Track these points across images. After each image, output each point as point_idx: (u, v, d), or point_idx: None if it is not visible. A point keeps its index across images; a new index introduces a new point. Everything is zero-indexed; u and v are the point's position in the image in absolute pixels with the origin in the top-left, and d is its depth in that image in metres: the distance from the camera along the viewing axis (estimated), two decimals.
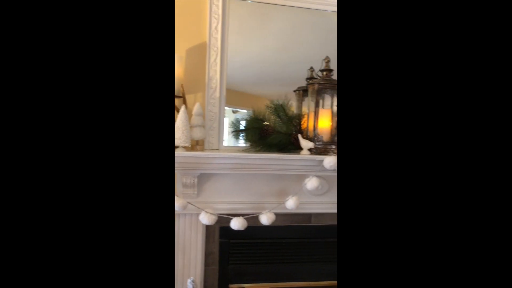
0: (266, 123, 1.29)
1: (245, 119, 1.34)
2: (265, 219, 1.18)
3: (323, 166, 1.16)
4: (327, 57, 1.25)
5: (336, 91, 1.25)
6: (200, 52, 1.29)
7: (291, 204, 1.18)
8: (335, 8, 1.38)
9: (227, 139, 1.35)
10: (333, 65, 1.26)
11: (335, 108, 1.26)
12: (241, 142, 1.35)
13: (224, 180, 1.27)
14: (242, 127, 1.34)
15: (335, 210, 1.36)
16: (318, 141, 1.25)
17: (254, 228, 1.27)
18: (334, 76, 1.26)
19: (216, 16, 1.27)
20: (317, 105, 1.24)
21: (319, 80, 1.24)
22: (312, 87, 1.25)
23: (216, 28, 1.27)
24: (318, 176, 1.22)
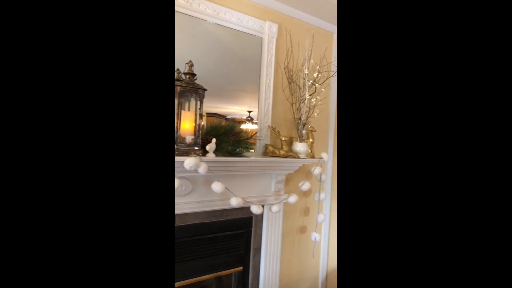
0: None
1: None
2: None
3: (184, 167, 1.19)
4: (190, 61, 1.29)
5: (199, 95, 1.30)
6: None
7: None
8: (201, 15, 1.44)
9: None
10: (196, 70, 1.31)
11: (199, 110, 1.31)
12: None
13: None
14: None
15: (198, 209, 1.41)
16: (181, 143, 1.27)
17: None
18: (198, 80, 1.31)
19: None
20: (179, 107, 1.26)
21: (182, 83, 1.26)
22: (175, 89, 1.26)
23: None
24: (180, 177, 1.24)
